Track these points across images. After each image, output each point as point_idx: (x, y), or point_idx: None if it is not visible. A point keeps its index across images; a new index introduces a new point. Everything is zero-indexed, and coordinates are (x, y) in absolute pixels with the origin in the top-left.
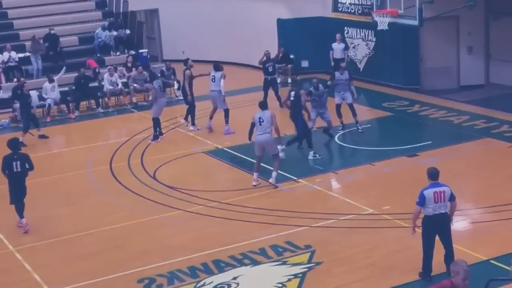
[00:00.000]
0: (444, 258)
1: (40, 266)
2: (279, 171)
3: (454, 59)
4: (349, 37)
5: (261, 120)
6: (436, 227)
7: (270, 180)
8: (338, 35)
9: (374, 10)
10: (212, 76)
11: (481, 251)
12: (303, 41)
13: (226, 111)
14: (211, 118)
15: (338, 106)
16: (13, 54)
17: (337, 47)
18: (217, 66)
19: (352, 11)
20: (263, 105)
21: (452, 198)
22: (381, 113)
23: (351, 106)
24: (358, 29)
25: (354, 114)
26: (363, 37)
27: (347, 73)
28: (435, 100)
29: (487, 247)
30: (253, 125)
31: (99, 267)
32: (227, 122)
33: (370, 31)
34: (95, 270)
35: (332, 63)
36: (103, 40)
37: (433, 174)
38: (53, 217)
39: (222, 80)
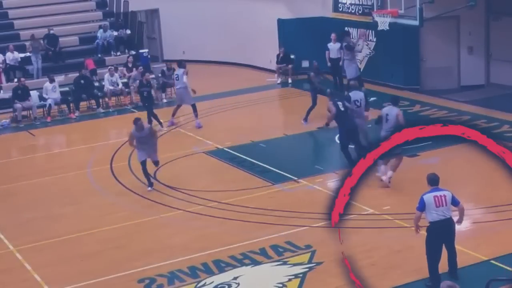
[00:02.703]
0: (448, 262)
1: (40, 266)
2: (279, 171)
3: (454, 59)
4: (350, 37)
5: (388, 117)
6: (442, 234)
7: (378, 174)
8: (333, 35)
9: (375, 10)
10: (176, 74)
11: (481, 251)
12: (304, 41)
13: (194, 106)
14: (173, 115)
15: None
16: (16, 54)
17: (333, 47)
18: (180, 63)
19: (353, 11)
20: (393, 100)
21: (455, 202)
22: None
23: None
24: (359, 29)
25: None
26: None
27: None
28: (435, 100)
29: (487, 247)
30: (380, 118)
31: (99, 267)
32: (196, 116)
33: (370, 31)
34: (95, 270)
35: (329, 64)
36: (106, 40)
37: (432, 180)
38: (53, 217)
39: (185, 76)
